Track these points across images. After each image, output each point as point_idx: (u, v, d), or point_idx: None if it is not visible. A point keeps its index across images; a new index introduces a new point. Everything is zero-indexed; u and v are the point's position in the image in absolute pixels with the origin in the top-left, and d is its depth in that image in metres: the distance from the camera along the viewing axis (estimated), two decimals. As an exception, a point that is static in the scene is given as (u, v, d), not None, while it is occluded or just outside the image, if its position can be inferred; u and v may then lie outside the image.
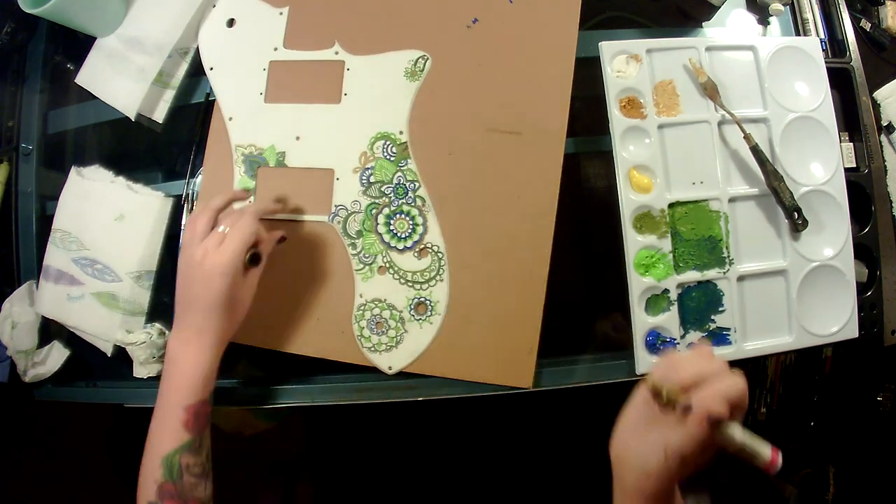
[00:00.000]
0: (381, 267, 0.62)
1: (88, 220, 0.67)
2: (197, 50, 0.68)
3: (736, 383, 0.38)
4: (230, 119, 0.65)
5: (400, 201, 0.62)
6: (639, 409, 0.42)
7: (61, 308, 0.68)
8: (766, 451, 0.38)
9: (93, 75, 0.69)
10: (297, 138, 0.64)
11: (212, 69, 0.67)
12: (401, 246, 0.62)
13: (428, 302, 0.61)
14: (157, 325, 0.65)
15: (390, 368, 0.61)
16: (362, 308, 0.62)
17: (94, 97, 0.69)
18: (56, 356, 0.70)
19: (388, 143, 0.63)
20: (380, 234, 0.62)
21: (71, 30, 0.68)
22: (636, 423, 0.42)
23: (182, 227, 0.65)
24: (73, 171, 0.69)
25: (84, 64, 0.69)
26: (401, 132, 0.63)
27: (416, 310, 0.61)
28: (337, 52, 0.65)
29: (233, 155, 0.65)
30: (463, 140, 0.62)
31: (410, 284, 0.62)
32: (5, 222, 0.73)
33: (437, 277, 0.61)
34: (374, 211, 0.62)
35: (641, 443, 0.40)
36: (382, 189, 0.63)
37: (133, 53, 0.67)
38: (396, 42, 0.64)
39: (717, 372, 0.39)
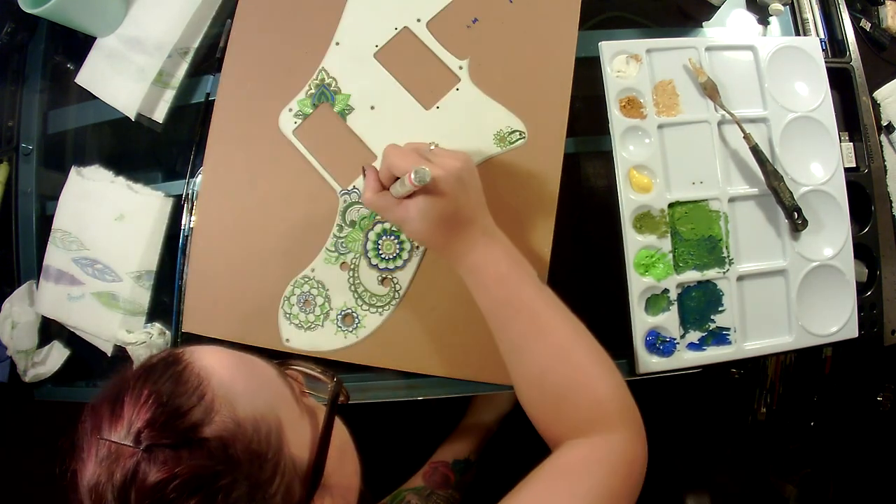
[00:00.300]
0: (345, 263, 0.62)
1: (88, 220, 0.67)
2: (196, 50, 0.68)
3: (386, 156, 0.49)
4: (337, 43, 0.64)
5: None
6: None
7: (61, 308, 0.68)
8: (405, 176, 0.46)
9: (93, 75, 0.69)
10: (372, 108, 0.63)
11: None
12: (374, 262, 0.62)
13: (357, 320, 0.61)
14: (158, 325, 0.65)
15: (287, 341, 0.62)
16: (305, 279, 0.62)
17: (94, 97, 0.69)
18: (56, 356, 0.70)
19: None
20: (367, 239, 0.62)
21: (71, 30, 0.68)
22: None
23: (183, 228, 0.65)
24: (73, 171, 0.69)
25: (84, 64, 0.69)
26: None
27: (343, 318, 0.62)
28: (461, 68, 0.63)
29: (314, 74, 0.64)
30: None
31: (357, 296, 0.62)
32: (5, 222, 0.73)
33: (381, 309, 0.61)
34: (377, 217, 0.62)
35: None
36: None
37: (133, 53, 0.67)
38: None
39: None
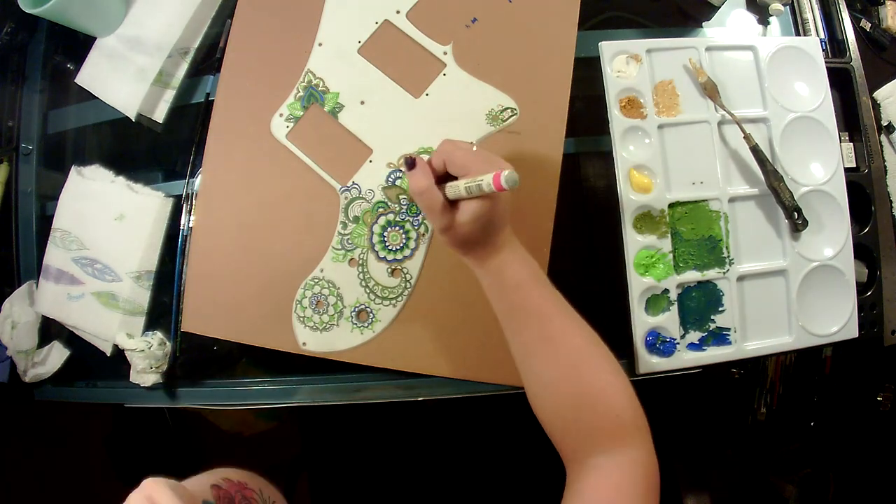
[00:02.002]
0: (353, 259, 0.62)
1: (88, 219, 0.67)
2: (196, 50, 0.68)
3: (450, 154, 0.47)
4: (320, 44, 0.64)
5: (407, 217, 0.62)
6: None
7: (61, 307, 0.68)
8: (487, 178, 0.43)
9: (93, 75, 0.69)
10: (362, 103, 0.64)
11: None
12: (382, 254, 0.62)
13: (372, 315, 0.62)
14: (159, 335, 0.65)
15: (304, 345, 0.62)
16: (315, 280, 0.62)
17: (94, 97, 0.69)
18: (56, 356, 0.70)
19: None
20: (372, 233, 0.62)
21: (71, 30, 0.68)
22: None
23: (182, 228, 0.65)
24: (74, 170, 0.69)
25: (84, 64, 0.69)
26: None
27: (357, 315, 0.62)
28: (445, 53, 0.64)
29: (300, 77, 0.64)
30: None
31: (368, 291, 0.62)
32: (5, 222, 0.73)
33: (394, 301, 0.62)
34: (380, 210, 0.62)
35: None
36: (400, 197, 0.63)
37: (133, 53, 0.67)
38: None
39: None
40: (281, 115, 0.64)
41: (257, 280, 0.63)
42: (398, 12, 0.64)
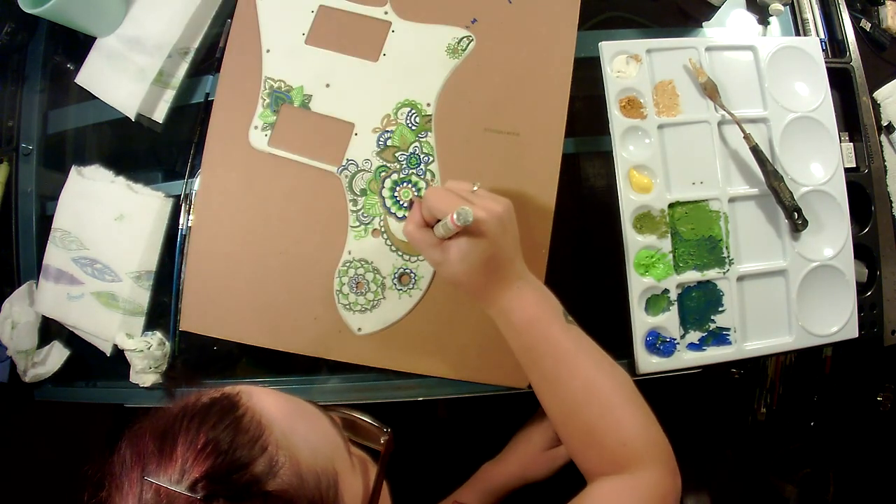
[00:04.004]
0: (375, 230, 0.62)
1: (88, 219, 0.67)
2: (197, 50, 0.68)
3: (425, 198, 0.48)
4: (267, 51, 0.65)
5: (410, 171, 0.63)
6: None
7: (61, 307, 0.68)
8: (448, 217, 0.45)
9: (93, 75, 0.69)
10: (327, 85, 0.64)
11: None
12: (400, 214, 0.62)
13: (413, 274, 0.62)
14: (158, 335, 0.65)
15: (360, 330, 0.61)
16: (347, 265, 0.62)
17: (94, 97, 0.69)
18: (56, 356, 0.70)
19: (413, 111, 0.63)
20: (383, 198, 0.63)
21: (71, 30, 0.68)
22: None
23: (181, 227, 0.65)
24: (74, 170, 0.69)
25: (84, 64, 0.69)
26: (428, 104, 0.63)
27: (399, 279, 0.62)
28: (386, 13, 0.65)
29: (261, 86, 0.65)
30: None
31: (400, 254, 0.62)
32: (5, 222, 0.73)
33: None
34: (382, 174, 0.63)
35: None
36: (396, 155, 0.63)
37: (133, 53, 0.67)
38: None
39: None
40: (256, 126, 0.64)
41: (253, 277, 0.63)
42: None
